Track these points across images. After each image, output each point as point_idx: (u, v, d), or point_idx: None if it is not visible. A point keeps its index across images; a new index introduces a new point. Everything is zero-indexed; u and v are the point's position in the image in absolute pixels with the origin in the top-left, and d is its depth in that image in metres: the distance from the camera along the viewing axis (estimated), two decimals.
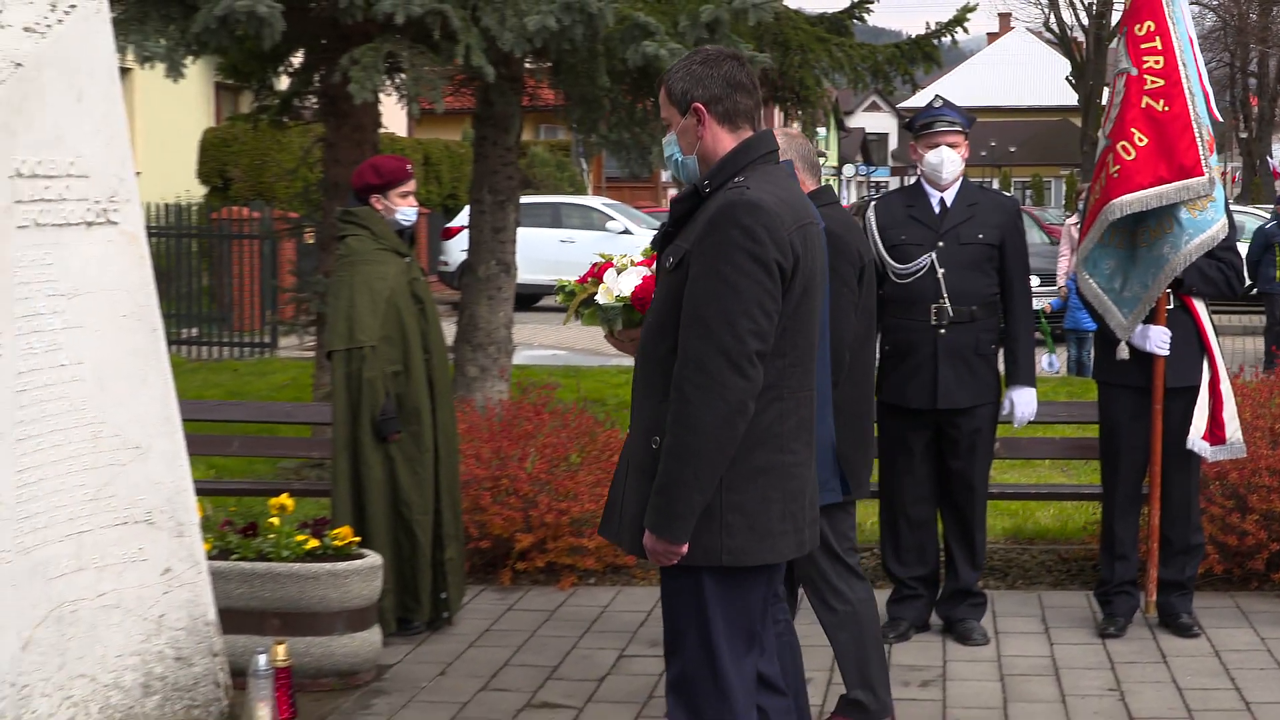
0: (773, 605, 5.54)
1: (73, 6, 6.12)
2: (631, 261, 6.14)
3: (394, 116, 19.80)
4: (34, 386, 5.92)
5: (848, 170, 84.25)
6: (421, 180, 33.30)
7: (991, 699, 7.18)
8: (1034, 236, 25.34)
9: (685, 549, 4.73)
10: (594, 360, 19.88)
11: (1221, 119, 11.16)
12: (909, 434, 7.96)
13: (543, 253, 27.25)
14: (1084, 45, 57.46)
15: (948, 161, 7.89)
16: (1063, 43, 61.10)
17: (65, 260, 6.07)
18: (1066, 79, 60.97)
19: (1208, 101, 7.96)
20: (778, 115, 14.04)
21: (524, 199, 17.13)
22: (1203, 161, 7.75)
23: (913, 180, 8.28)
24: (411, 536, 7.98)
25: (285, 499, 7.65)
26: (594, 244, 26.32)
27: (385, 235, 8.04)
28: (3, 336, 5.76)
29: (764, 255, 4.62)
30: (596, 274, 6.20)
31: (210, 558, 6.94)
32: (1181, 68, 7.81)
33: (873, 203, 8.27)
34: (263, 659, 6.57)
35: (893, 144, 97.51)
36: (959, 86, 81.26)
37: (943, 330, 7.79)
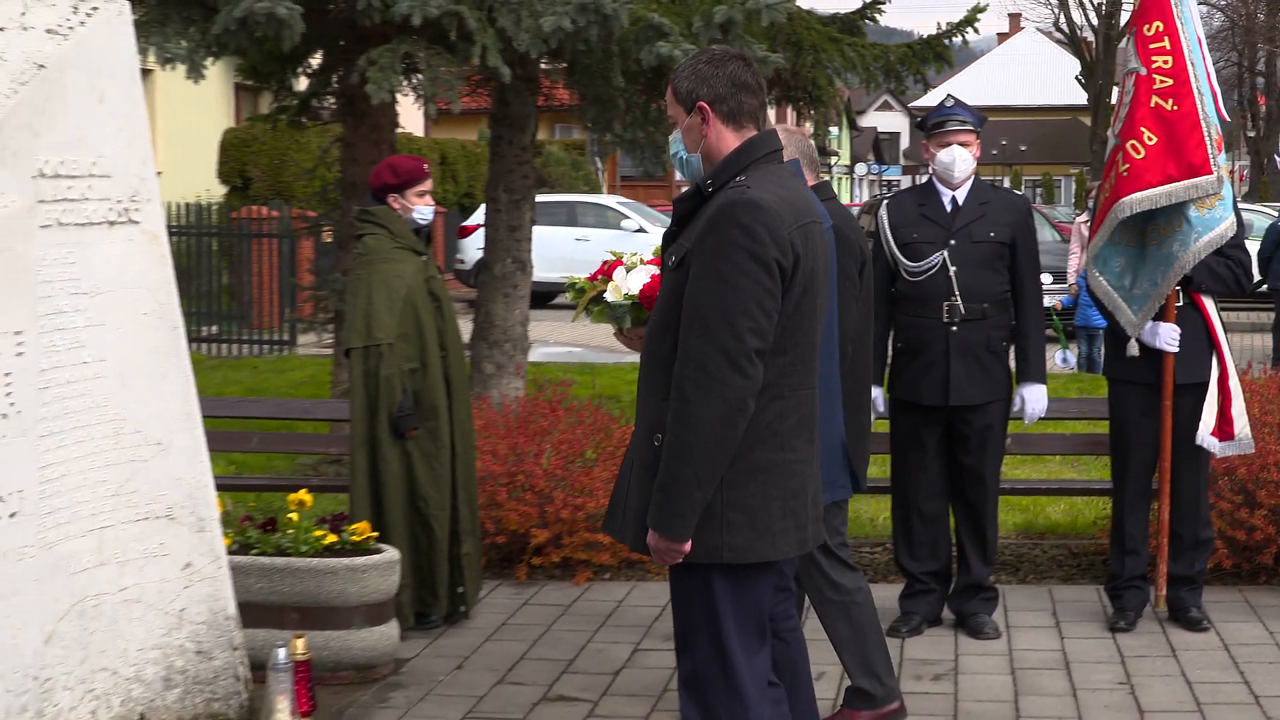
0: (785, 601, 5.61)
1: (94, 9, 6.16)
2: (641, 260, 6.19)
3: (411, 116, 19.81)
4: (57, 384, 5.96)
5: (860, 169, 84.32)
6: (438, 179, 33.34)
7: (1003, 692, 7.21)
8: (1045, 234, 25.28)
9: (688, 547, 4.74)
10: (609, 357, 19.86)
11: (1229, 118, 11.19)
12: (921, 430, 8.01)
13: (558, 251, 27.30)
14: (1093, 45, 57.48)
15: (959, 160, 7.93)
16: (1072, 43, 61.11)
17: (88, 259, 6.11)
18: (1076, 78, 60.99)
19: (1216, 101, 7.97)
20: (791, 114, 14.05)
21: (539, 198, 17.19)
22: (1211, 160, 7.77)
23: (925, 179, 8.32)
24: (429, 532, 8.02)
25: (304, 495, 7.67)
26: (609, 242, 26.36)
27: (402, 234, 8.08)
28: (26, 334, 5.81)
29: (763, 254, 4.63)
30: (606, 272, 6.26)
31: (230, 553, 6.96)
32: (1190, 67, 7.84)
33: (885, 201, 8.33)
34: (282, 653, 6.58)
35: (904, 143, 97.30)
36: (970, 86, 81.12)
37: (954, 328, 7.84)
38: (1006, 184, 60.03)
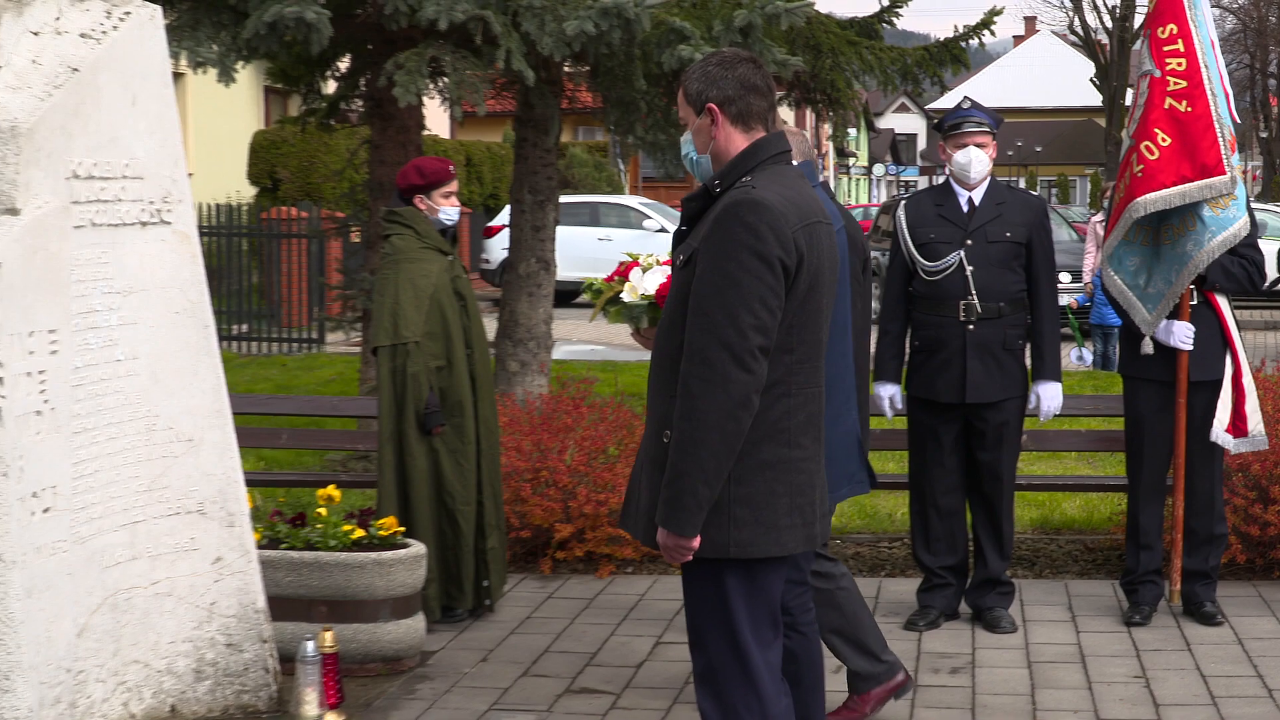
0: (802, 595, 5.65)
1: (127, 14, 6.25)
2: (657, 261, 6.26)
3: (437, 119, 19.95)
4: (90, 381, 6.05)
5: (878, 170, 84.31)
6: (464, 181, 33.43)
7: (1019, 686, 7.24)
8: (1062, 234, 25.22)
9: (696, 543, 4.74)
10: (631, 355, 19.86)
11: (1241, 119, 11.25)
12: (938, 427, 8.07)
13: (581, 250, 27.41)
14: (1108, 47, 57.30)
15: (976, 161, 7.98)
16: (1087, 45, 60.92)
17: (121, 259, 6.19)
18: (1091, 80, 60.80)
19: (1228, 102, 8.02)
20: (810, 116, 14.11)
21: (563, 198, 17.28)
22: (1225, 160, 7.81)
23: (941, 179, 8.36)
24: (455, 526, 8.06)
25: (332, 490, 7.70)
26: (631, 242, 26.49)
27: (429, 234, 8.12)
28: (61, 333, 5.89)
29: (767, 252, 4.65)
30: (623, 273, 6.33)
31: (260, 547, 7.03)
32: (1203, 69, 7.89)
33: (903, 202, 8.37)
34: (310, 645, 6.62)
35: (921, 144, 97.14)
36: (986, 88, 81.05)
37: (971, 326, 7.90)
38: (1022, 184, 60.03)
